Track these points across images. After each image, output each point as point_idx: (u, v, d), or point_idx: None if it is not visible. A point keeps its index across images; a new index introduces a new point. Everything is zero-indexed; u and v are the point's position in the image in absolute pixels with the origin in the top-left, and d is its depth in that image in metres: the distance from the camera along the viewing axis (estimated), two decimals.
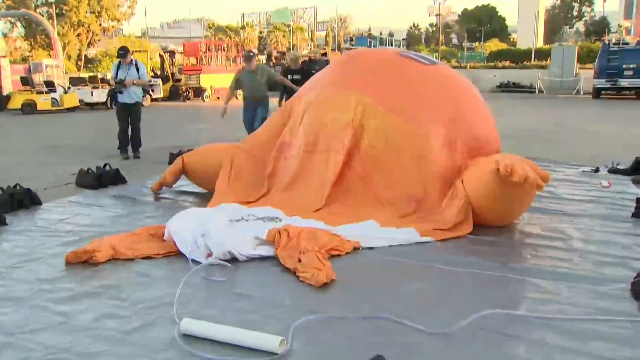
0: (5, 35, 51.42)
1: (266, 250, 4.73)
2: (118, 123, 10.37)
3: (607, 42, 26.42)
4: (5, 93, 21.16)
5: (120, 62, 10.26)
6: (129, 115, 10.36)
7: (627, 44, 25.94)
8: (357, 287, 4.10)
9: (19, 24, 50.73)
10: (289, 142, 6.58)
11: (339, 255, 4.69)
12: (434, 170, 5.84)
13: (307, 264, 4.26)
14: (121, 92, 10.12)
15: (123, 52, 10.29)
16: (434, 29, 79.34)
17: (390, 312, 3.60)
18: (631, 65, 24.14)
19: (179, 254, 4.71)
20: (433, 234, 5.20)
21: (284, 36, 62.61)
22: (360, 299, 3.88)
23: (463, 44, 69.63)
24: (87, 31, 49.85)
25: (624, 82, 24.35)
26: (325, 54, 37.76)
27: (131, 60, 10.22)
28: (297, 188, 6.15)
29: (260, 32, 66.14)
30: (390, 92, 6.38)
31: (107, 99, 21.73)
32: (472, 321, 3.44)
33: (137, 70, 10.18)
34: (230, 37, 56.38)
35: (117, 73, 10.20)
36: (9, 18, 49.28)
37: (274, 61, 36.76)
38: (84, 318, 3.58)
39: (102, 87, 22.97)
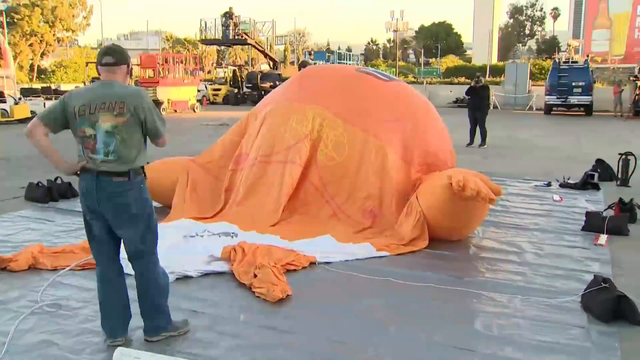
0: None
1: (220, 266, 4.64)
2: None
3: (557, 60, 27.14)
4: None
5: None
6: None
7: (576, 62, 26.78)
8: (313, 303, 4.06)
9: None
10: (246, 154, 6.51)
11: (295, 270, 4.64)
12: (391, 184, 5.86)
13: (262, 280, 4.19)
14: None
15: None
16: (392, 44, 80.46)
17: (347, 327, 3.59)
18: (580, 83, 24.91)
19: None
20: (389, 249, 5.20)
21: (242, 49, 62.41)
22: (315, 314, 3.85)
23: (420, 59, 70.76)
24: (41, 41, 48.79)
25: (573, 99, 25.09)
26: (276, 67, 37.77)
27: None
28: (253, 199, 6.08)
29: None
30: (348, 106, 6.39)
31: None
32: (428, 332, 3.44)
33: None
34: (188, 50, 55.95)
35: None
36: None
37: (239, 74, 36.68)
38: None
39: (54, 99, 22.38)
